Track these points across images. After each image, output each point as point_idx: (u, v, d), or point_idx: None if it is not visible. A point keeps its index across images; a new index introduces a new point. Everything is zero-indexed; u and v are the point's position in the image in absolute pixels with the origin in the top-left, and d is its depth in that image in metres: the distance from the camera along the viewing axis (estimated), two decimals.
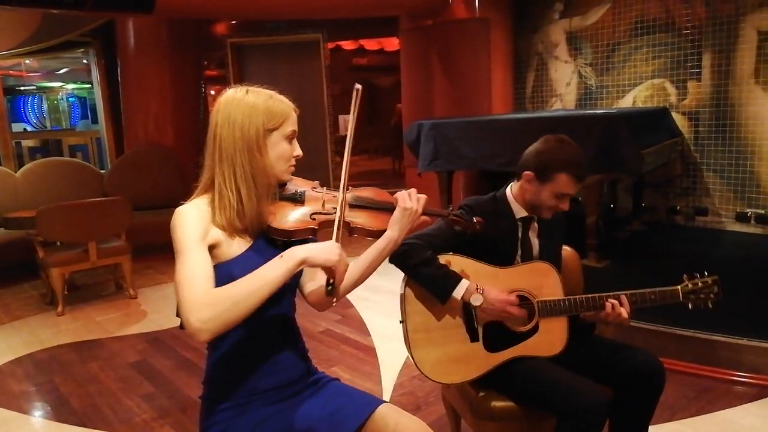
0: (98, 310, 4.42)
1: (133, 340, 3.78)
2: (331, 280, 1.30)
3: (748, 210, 4.82)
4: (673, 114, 5.09)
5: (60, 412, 2.87)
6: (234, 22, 7.01)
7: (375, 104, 7.72)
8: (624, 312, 1.79)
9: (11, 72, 9.93)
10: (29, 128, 10.95)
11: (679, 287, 1.81)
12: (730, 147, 4.85)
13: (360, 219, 1.44)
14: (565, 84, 5.89)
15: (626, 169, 3.80)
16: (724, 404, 2.64)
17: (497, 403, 1.84)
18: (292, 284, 1.46)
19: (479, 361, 1.84)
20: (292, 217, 1.41)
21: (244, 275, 1.30)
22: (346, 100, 7.02)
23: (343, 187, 1.40)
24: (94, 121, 10.04)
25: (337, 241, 1.33)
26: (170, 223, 1.31)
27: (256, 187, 1.34)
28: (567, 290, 1.90)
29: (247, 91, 1.38)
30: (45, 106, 11.61)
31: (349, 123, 1.44)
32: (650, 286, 1.84)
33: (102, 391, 3.07)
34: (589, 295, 1.83)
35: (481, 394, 1.88)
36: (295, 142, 1.43)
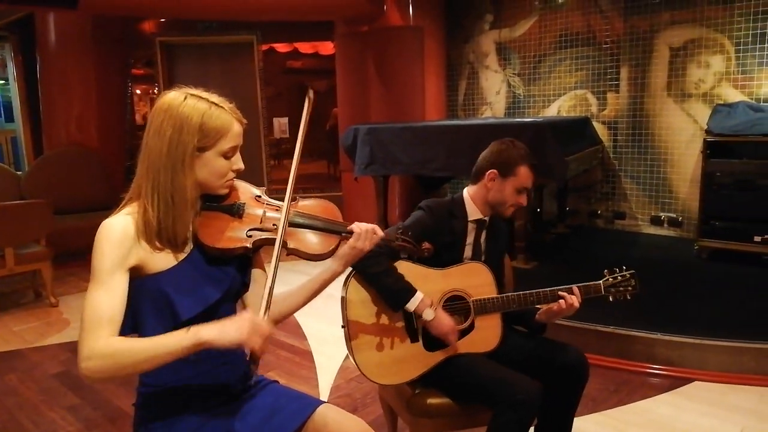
0: (16, 320, 4.17)
1: (56, 350, 3.59)
2: (251, 354, 1.23)
3: (661, 214, 5.17)
4: (594, 123, 5.39)
5: None
6: (164, 20, 6.82)
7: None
8: (576, 301, 1.90)
9: None
10: None
11: (601, 282, 1.95)
12: (645, 155, 5.19)
13: (300, 241, 1.38)
14: (495, 92, 6.11)
15: (552, 175, 4.00)
16: (641, 395, 2.83)
17: (433, 400, 1.91)
18: (233, 292, 1.44)
19: (419, 360, 1.89)
20: (226, 233, 1.34)
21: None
22: (279, 102, 6.90)
23: (286, 207, 1.34)
24: (8, 119, 9.44)
25: (276, 267, 1.28)
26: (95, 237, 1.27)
27: (173, 206, 1.29)
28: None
29: (185, 98, 1.30)
30: None
31: (300, 129, 1.42)
32: (575, 283, 1.96)
33: (22, 404, 2.91)
34: (521, 293, 1.93)
35: (417, 391, 1.93)
36: (236, 156, 1.37)
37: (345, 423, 1.42)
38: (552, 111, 5.72)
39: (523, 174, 2.00)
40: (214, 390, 1.42)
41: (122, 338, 1.22)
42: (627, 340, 3.13)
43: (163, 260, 1.31)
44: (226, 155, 1.33)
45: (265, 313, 1.27)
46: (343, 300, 1.89)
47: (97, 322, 1.20)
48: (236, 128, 1.34)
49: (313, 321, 3.92)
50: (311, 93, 1.42)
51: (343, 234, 1.43)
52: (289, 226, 1.37)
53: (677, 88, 4.93)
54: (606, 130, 5.39)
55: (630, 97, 5.21)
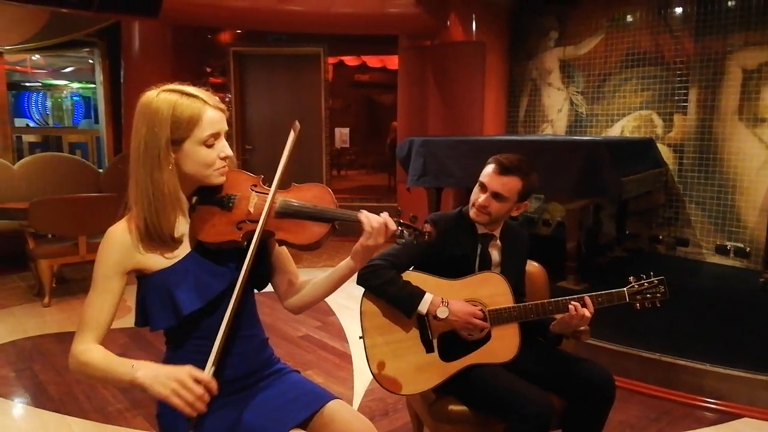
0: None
1: (116, 334, 3.84)
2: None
3: (727, 243, 4.92)
4: (659, 145, 5.22)
5: (37, 398, 2.93)
6: (239, 31, 7.16)
7: (375, 121, 7.84)
8: (587, 312, 1.86)
9: (17, 68, 10.05)
10: (32, 124, 11.04)
11: (624, 289, 1.90)
12: (713, 180, 4.97)
13: (287, 231, 1.34)
14: (556, 110, 6.03)
15: (606, 195, 3.91)
16: (684, 427, 2.71)
17: (454, 407, 1.92)
18: (252, 282, 1.45)
19: (435, 370, 1.91)
20: (218, 226, 1.35)
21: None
22: (347, 114, 7.09)
23: (270, 200, 1.33)
24: (97, 121, 10.15)
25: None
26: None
27: (154, 201, 1.31)
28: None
29: (158, 93, 1.32)
30: (49, 104, 11.71)
31: (282, 158, 1.37)
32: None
33: (79, 380, 3.13)
34: (538, 302, 1.92)
35: (440, 398, 1.96)
36: (220, 143, 1.35)
37: (352, 421, 1.44)
38: (615, 131, 5.58)
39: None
40: (232, 378, 1.45)
41: (96, 350, 1.31)
42: (673, 369, 3.01)
43: (163, 259, 1.35)
44: (207, 143, 1.32)
45: (212, 366, 1.25)
46: (360, 311, 1.95)
47: (86, 326, 1.33)
48: (210, 115, 1.32)
49: (357, 325, 3.98)
50: (297, 124, 1.39)
51: (337, 221, 1.36)
52: (277, 217, 1.35)
53: (750, 112, 4.71)
54: (671, 152, 5.21)
55: (698, 119, 5.02)
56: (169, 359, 1.44)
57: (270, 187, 1.38)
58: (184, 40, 6.63)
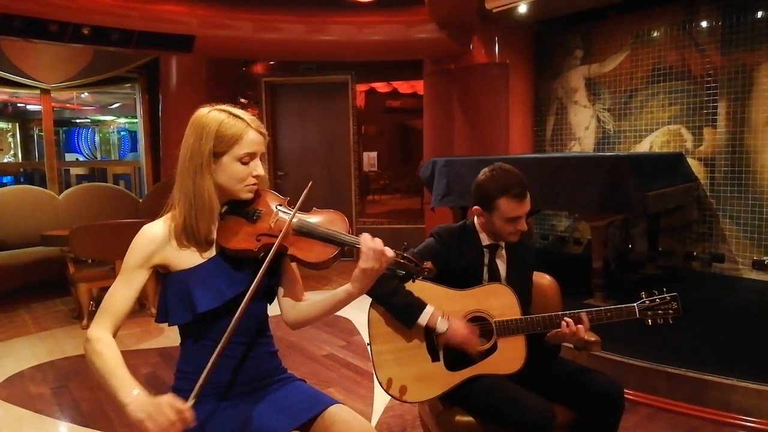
0: None
1: (149, 354, 3.98)
2: None
3: (765, 258, 4.76)
4: (689, 160, 5.12)
5: (70, 414, 3.06)
6: (272, 62, 7.41)
7: (408, 145, 7.93)
8: (581, 330, 1.86)
9: (67, 105, 10.62)
10: (81, 158, 11.60)
11: (635, 304, 1.89)
12: (746, 194, 4.83)
13: (299, 248, 1.44)
14: (583, 128, 6.00)
15: (629, 210, 3.87)
16: None
17: (461, 418, 1.93)
18: (263, 292, 1.55)
19: (441, 379, 1.93)
20: (239, 235, 1.46)
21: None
22: (380, 140, 7.23)
23: (291, 216, 1.44)
24: None
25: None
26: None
27: (195, 205, 1.44)
28: None
29: (209, 111, 1.47)
30: (97, 139, 12.29)
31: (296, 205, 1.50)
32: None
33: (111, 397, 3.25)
34: (545, 315, 1.92)
35: (447, 408, 1.97)
36: (254, 162, 1.47)
37: (352, 423, 1.49)
38: (644, 147, 5.50)
39: (504, 206, 1.95)
40: (237, 383, 1.54)
41: (111, 346, 1.40)
42: (700, 385, 2.92)
43: (189, 259, 1.48)
44: (243, 161, 1.46)
45: (193, 398, 1.31)
46: (368, 318, 1.98)
47: (106, 312, 1.45)
48: (251, 136, 1.46)
49: None
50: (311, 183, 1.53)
51: (346, 245, 1.43)
52: (293, 234, 1.45)
53: None
54: (702, 167, 5.10)
55: (729, 132, 4.91)
56: (183, 355, 1.57)
57: (290, 210, 1.50)
58: (219, 73, 6.91)
